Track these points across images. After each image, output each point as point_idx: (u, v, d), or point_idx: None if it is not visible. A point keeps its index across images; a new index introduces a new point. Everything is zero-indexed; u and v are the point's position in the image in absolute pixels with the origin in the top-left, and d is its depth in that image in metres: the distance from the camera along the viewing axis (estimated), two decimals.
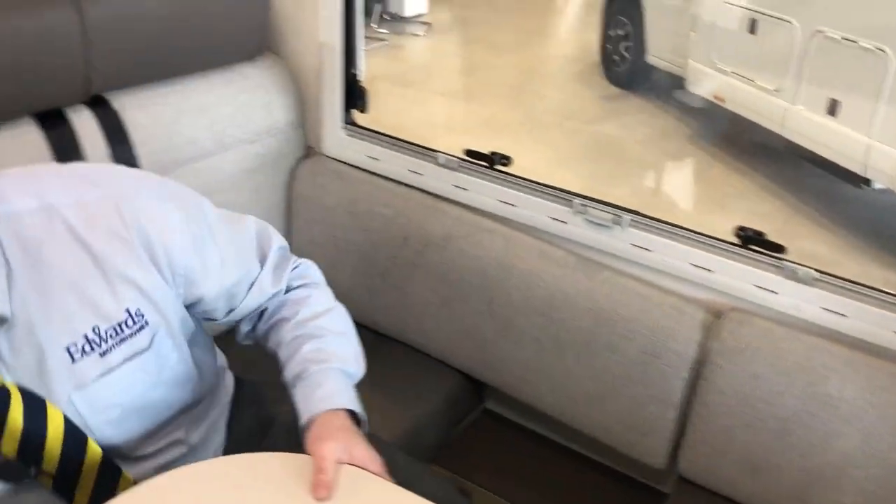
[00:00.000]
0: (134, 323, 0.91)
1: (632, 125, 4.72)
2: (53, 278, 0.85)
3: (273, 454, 0.94)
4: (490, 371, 1.53)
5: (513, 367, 1.48)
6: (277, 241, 1.09)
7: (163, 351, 0.96)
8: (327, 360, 1.01)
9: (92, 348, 0.89)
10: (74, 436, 0.89)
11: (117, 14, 1.30)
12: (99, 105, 1.35)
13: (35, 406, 0.86)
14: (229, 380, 1.19)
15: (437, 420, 1.56)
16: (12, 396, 0.84)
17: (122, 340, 0.91)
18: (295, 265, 1.12)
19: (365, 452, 0.92)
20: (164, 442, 1.02)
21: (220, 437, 1.14)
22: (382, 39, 6.24)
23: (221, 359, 1.20)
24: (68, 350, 0.87)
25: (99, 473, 0.92)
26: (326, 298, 1.11)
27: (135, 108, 1.39)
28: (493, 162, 1.52)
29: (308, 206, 1.66)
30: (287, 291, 1.09)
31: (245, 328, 1.11)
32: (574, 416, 1.44)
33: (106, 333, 0.89)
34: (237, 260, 1.02)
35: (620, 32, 5.10)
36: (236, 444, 1.14)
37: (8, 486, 0.89)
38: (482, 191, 1.51)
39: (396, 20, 6.63)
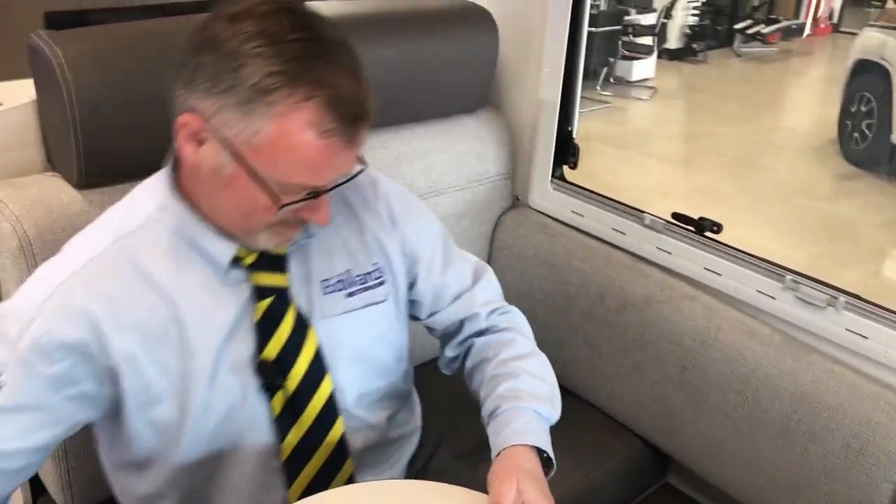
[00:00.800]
0: (378, 276, 1.05)
1: (869, 207, 4.37)
2: None
3: (454, 486, 0.95)
4: (675, 443, 1.47)
5: (700, 443, 1.41)
6: (493, 277, 1.20)
7: (391, 312, 1.07)
8: (520, 399, 1.02)
9: (342, 287, 1.02)
10: (318, 364, 0.99)
11: (365, 60, 1.42)
12: None
13: (302, 324, 0.98)
14: (418, 413, 1.22)
15: (614, 485, 1.52)
16: (290, 309, 0.97)
17: (366, 289, 1.04)
18: (505, 309, 1.18)
19: (536, 495, 0.91)
20: (370, 416, 1.07)
21: (402, 464, 1.17)
22: (605, 102, 6.29)
23: (415, 395, 1.23)
24: (323, 283, 1.01)
25: (321, 412, 1.00)
26: (530, 345, 1.14)
27: (363, 149, 1.50)
28: (702, 228, 1.47)
29: (508, 254, 1.70)
30: (493, 331, 1.14)
31: (450, 353, 1.17)
32: (762, 503, 1.34)
33: (355, 278, 1.03)
34: (454, 267, 1.15)
35: (863, 108, 4.78)
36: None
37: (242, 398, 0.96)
38: (687, 256, 1.47)
39: (622, 84, 6.65)
